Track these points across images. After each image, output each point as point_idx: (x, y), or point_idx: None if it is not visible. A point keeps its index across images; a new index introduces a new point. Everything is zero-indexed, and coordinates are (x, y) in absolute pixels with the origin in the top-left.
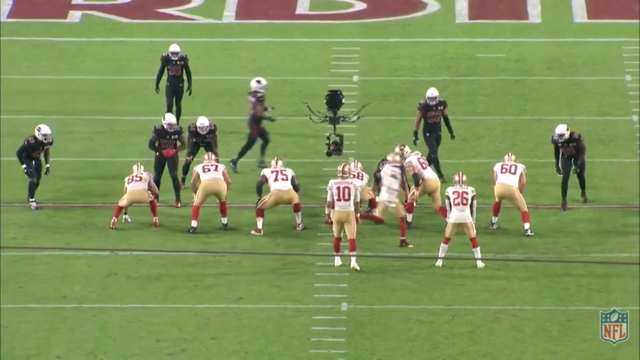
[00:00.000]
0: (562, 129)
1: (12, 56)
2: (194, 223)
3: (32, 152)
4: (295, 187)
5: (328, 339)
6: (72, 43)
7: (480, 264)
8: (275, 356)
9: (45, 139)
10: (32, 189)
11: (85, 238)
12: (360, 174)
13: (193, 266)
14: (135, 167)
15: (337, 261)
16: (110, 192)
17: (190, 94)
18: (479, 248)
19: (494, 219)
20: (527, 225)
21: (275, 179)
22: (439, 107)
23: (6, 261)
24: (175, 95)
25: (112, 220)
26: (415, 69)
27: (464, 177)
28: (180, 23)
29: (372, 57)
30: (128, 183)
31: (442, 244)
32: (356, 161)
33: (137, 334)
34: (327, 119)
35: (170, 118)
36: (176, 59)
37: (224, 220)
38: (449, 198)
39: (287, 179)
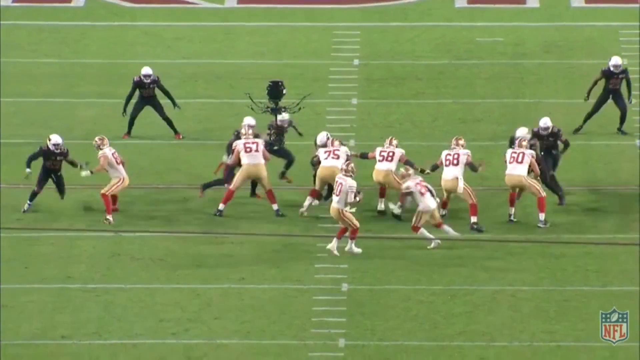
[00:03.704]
0: (546, 122)
1: (17, 40)
2: (221, 206)
3: (45, 162)
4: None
5: (329, 319)
6: (76, 27)
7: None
8: (277, 335)
9: (57, 149)
10: (33, 195)
11: (89, 219)
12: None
13: (196, 247)
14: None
15: (334, 245)
16: None
17: (179, 108)
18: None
19: (511, 210)
20: (542, 216)
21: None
22: (550, 138)
23: (11, 242)
24: (154, 108)
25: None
26: (415, 53)
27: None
28: (183, 7)
29: (373, 41)
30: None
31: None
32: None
33: (141, 314)
34: (269, 109)
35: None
36: (148, 81)
37: (275, 207)
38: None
39: (337, 158)
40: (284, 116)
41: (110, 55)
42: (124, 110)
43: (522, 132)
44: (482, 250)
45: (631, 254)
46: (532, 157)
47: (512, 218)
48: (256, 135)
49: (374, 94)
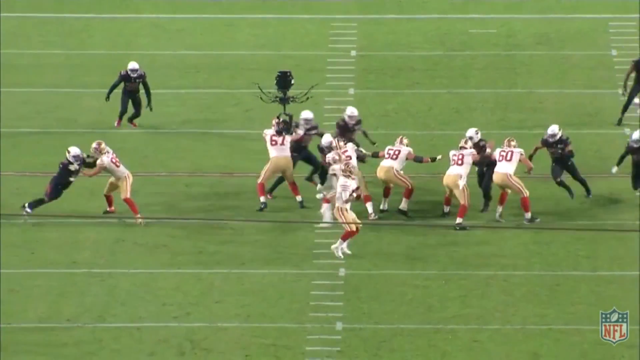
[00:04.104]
0: (554, 129)
1: (24, 32)
2: (262, 199)
3: (67, 178)
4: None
5: (327, 303)
6: (81, 19)
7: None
8: (276, 319)
9: (76, 160)
10: (39, 202)
11: (94, 206)
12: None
13: (197, 233)
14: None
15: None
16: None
17: (151, 109)
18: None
19: (499, 209)
20: (527, 215)
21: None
22: (558, 145)
23: (18, 228)
24: (132, 101)
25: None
26: (411, 44)
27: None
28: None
29: (369, 33)
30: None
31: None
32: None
33: (144, 298)
34: (277, 99)
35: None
36: (135, 76)
37: (299, 198)
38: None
39: (350, 159)
40: (352, 111)
41: (114, 47)
42: (107, 97)
43: (554, 129)
44: (475, 236)
45: (620, 240)
46: (522, 155)
47: (498, 217)
48: (313, 127)
49: (371, 84)
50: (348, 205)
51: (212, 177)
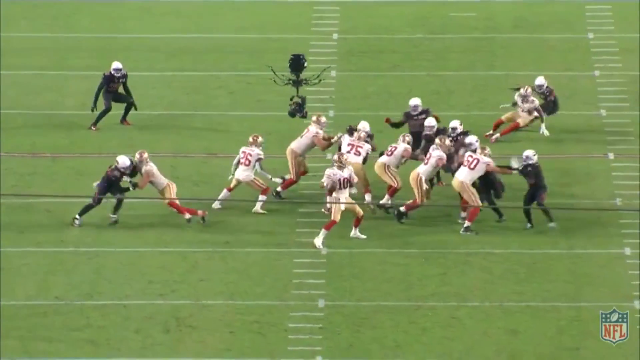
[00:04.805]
0: (541, 80)
1: (12, 15)
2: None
3: (112, 185)
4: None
5: (309, 281)
6: (69, 3)
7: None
8: (260, 297)
9: (125, 170)
10: (87, 208)
11: (81, 186)
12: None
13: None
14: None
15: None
16: (104, 143)
17: (136, 109)
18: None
19: (462, 214)
20: (467, 223)
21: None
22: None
23: (7, 208)
24: (117, 99)
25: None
26: (391, 28)
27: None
28: None
29: (351, 16)
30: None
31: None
32: (363, 138)
33: (131, 276)
34: (291, 81)
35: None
36: (119, 75)
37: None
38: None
39: (358, 155)
40: (364, 125)
41: (100, 30)
42: (95, 106)
43: (540, 80)
44: (455, 215)
45: (595, 219)
46: (489, 165)
47: (459, 220)
48: (369, 136)
49: (352, 67)
50: (343, 195)
51: (197, 157)
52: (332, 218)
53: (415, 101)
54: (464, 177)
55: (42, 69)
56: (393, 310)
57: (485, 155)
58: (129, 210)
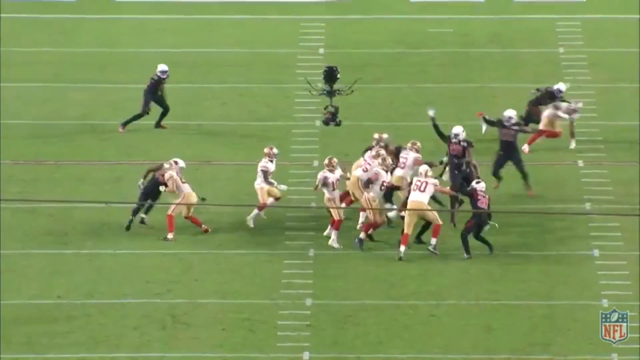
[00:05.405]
0: (510, 113)
1: (15, 31)
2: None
3: (154, 191)
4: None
5: (297, 281)
6: (69, 20)
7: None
8: (251, 296)
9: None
10: (136, 210)
11: (82, 191)
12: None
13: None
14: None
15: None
16: (104, 151)
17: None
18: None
19: (432, 241)
20: (433, 241)
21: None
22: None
23: (13, 213)
24: (158, 102)
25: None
26: (374, 43)
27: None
28: (165, 1)
29: (336, 32)
30: None
31: None
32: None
33: (129, 277)
34: (325, 92)
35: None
36: (165, 77)
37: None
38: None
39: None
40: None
41: (99, 45)
42: (147, 108)
43: (509, 112)
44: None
45: (568, 222)
46: (436, 186)
47: (432, 249)
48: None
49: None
50: (336, 195)
51: (190, 164)
52: (337, 218)
53: (510, 112)
54: (420, 198)
55: (44, 81)
56: (376, 308)
57: (430, 177)
58: (127, 214)
